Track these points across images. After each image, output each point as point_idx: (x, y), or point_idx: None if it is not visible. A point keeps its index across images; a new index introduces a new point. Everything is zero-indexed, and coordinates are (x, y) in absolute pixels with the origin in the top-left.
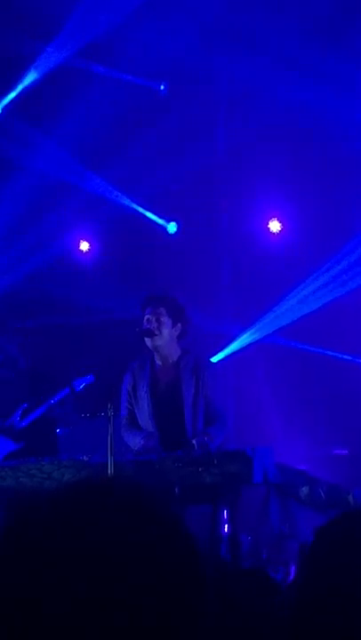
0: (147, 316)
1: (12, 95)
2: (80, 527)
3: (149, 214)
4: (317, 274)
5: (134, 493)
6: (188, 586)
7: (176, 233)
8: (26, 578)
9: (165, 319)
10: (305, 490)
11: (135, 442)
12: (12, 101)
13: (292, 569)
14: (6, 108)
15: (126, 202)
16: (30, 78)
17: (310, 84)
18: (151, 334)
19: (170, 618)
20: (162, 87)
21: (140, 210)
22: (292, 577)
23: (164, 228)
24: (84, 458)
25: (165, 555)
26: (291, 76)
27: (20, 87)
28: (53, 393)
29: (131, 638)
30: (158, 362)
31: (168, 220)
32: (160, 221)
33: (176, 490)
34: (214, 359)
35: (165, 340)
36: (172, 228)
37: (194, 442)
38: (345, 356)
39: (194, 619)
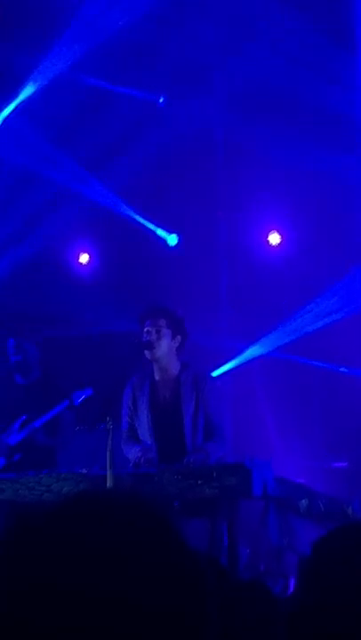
0: (146, 329)
1: (11, 108)
2: (79, 540)
3: (150, 225)
4: (319, 291)
5: (134, 505)
6: (189, 599)
7: (175, 246)
8: (24, 590)
9: (165, 331)
10: (304, 503)
11: (133, 454)
12: (11, 112)
13: (291, 582)
14: (6, 119)
15: (126, 212)
16: (28, 91)
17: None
18: (151, 346)
19: (172, 631)
20: (161, 100)
21: (141, 220)
22: (290, 590)
23: (163, 241)
24: (83, 470)
25: (166, 567)
26: (292, 83)
27: (18, 100)
28: (52, 406)
29: (132, 624)
30: (157, 376)
31: (168, 233)
32: (161, 233)
33: (175, 503)
34: (214, 374)
35: (165, 351)
36: (172, 240)
37: (189, 458)
38: (344, 369)
39: (200, 633)
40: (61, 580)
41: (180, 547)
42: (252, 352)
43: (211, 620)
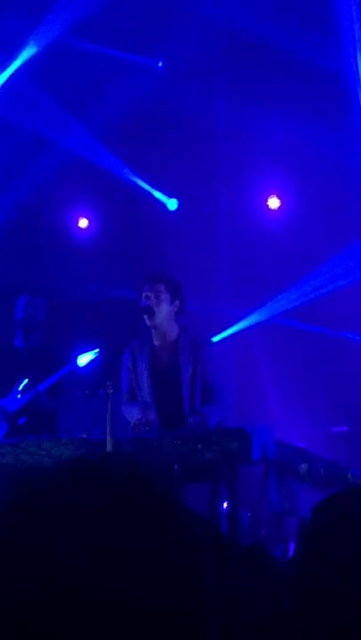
0: (145, 294)
1: (10, 71)
2: (76, 506)
3: (150, 189)
4: (320, 257)
5: (132, 470)
6: (188, 566)
7: (175, 211)
8: (21, 556)
9: (164, 295)
10: (304, 467)
11: (132, 414)
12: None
13: (291, 546)
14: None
15: (127, 177)
16: (29, 52)
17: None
18: (150, 311)
19: (172, 598)
20: (160, 64)
21: (141, 184)
22: (291, 554)
23: (163, 206)
24: (83, 436)
25: (165, 532)
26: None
27: (18, 62)
28: (54, 370)
29: (131, 619)
30: (156, 342)
31: (168, 197)
32: (161, 197)
33: (175, 467)
34: (214, 339)
35: (164, 316)
36: (172, 204)
37: (189, 420)
38: (345, 335)
39: (197, 600)
40: (59, 546)
41: (179, 513)
42: (252, 319)
43: (210, 586)
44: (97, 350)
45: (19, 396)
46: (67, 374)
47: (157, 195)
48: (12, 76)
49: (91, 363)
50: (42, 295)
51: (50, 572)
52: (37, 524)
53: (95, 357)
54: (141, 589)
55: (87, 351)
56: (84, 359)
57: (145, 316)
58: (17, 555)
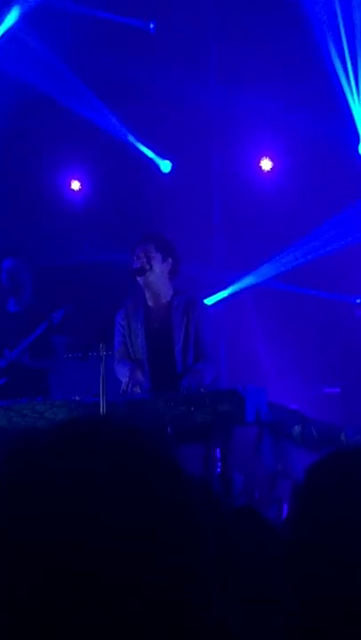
0: (136, 255)
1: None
2: (75, 467)
3: (144, 149)
4: (313, 219)
5: (128, 430)
6: (185, 522)
7: (168, 173)
8: (22, 516)
9: (155, 254)
10: (297, 429)
11: (124, 374)
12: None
13: (285, 507)
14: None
15: (120, 138)
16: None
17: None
18: (142, 271)
19: (171, 557)
20: (151, 26)
21: (138, 144)
22: (284, 515)
23: (156, 168)
24: (77, 398)
25: (162, 491)
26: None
27: (6, 23)
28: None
29: (130, 581)
30: (150, 302)
31: (161, 159)
32: (154, 157)
33: (168, 429)
34: (207, 301)
35: (157, 275)
36: (165, 166)
37: (184, 382)
38: (337, 296)
39: (195, 559)
40: (57, 509)
41: (174, 471)
42: (245, 281)
43: (207, 544)
44: (67, 307)
45: (4, 357)
46: (50, 333)
47: (151, 155)
48: (7, 30)
49: (68, 319)
50: (24, 256)
51: (48, 536)
52: (35, 487)
53: (67, 313)
54: (139, 550)
55: (59, 308)
56: (57, 316)
57: (137, 277)
58: (15, 519)
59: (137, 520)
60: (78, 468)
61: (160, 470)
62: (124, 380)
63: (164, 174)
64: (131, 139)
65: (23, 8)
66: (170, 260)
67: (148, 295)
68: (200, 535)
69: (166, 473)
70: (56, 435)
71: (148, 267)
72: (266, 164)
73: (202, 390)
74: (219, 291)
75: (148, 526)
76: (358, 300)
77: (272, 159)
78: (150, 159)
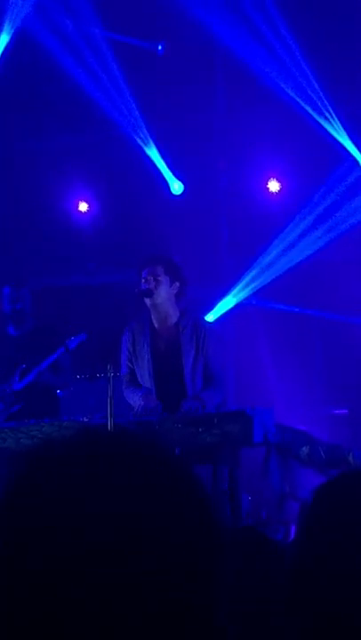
0: (144, 276)
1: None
2: (94, 473)
3: (162, 166)
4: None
5: (143, 442)
6: (209, 538)
7: (174, 195)
8: (40, 528)
9: (163, 277)
10: (305, 450)
11: (135, 400)
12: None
13: (292, 529)
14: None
15: (127, 156)
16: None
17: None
18: (150, 293)
19: (192, 569)
20: (159, 47)
21: (157, 157)
22: (292, 537)
23: (164, 189)
24: (85, 419)
25: (186, 506)
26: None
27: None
28: (49, 353)
29: (152, 592)
30: (156, 324)
31: (169, 183)
32: (169, 177)
33: (176, 450)
34: (208, 318)
35: (164, 298)
36: (178, 188)
37: (184, 405)
38: (344, 318)
39: (215, 569)
40: (78, 515)
41: (193, 482)
42: (239, 293)
43: (224, 558)
44: (83, 335)
45: (19, 380)
46: (61, 356)
47: (167, 174)
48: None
49: (86, 345)
50: (24, 283)
51: (70, 540)
52: (53, 499)
53: (83, 341)
54: (158, 558)
55: (76, 336)
56: (73, 343)
57: (145, 299)
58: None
59: (159, 528)
60: (99, 474)
61: (182, 480)
62: (138, 403)
63: (172, 195)
64: (149, 153)
65: (17, 26)
66: (177, 283)
67: (154, 317)
68: (220, 546)
69: (188, 485)
70: (73, 448)
71: (155, 290)
72: (273, 186)
73: (206, 412)
74: (226, 312)
75: (169, 534)
76: None
77: (279, 180)
78: (160, 180)
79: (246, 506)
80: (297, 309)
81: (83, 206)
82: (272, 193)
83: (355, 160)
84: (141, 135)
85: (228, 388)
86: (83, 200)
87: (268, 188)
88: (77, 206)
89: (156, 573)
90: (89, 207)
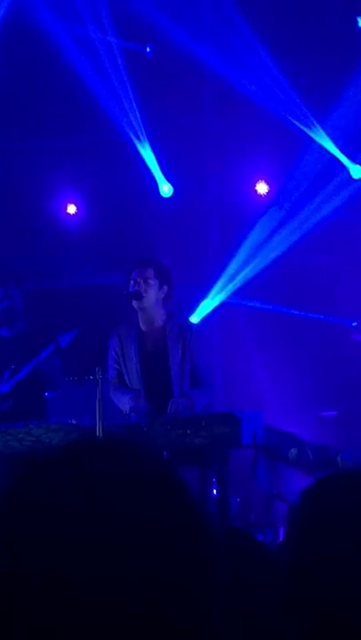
0: (133, 279)
1: None
2: (88, 483)
3: (154, 167)
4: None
5: (134, 448)
6: (196, 537)
7: (163, 198)
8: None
9: (152, 281)
10: (293, 452)
11: (123, 402)
12: None
13: (281, 530)
14: None
15: (115, 157)
16: None
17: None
18: (139, 296)
19: (186, 575)
20: (148, 49)
21: (149, 158)
22: (280, 538)
23: (153, 191)
24: (73, 421)
25: (176, 511)
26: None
27: None
28: (40, 352)
29: (144, 598)
30: (144, 327)
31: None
32: (160, 178)
33: (165, 453)
34: (192, 319)
35: (152, 301)
36: (168, 191)
37: (172, 401)
38: (333, 319)
39: (209, 576)
40: (70, 524)
41: (183, 490)
42: (218, 293)
43: (216, 558)
44: (75, 331)
45: (7, 380)
46: (52, 355)
47: (158, 176)
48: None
49: (76, 346)
50: (12, 283)
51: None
52: (41, 507)
53: (75, 337)
54: (146, 562)
55: (67, 332)
56: (65, 340)
57: (133, 301)
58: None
59: (146, 540)
60: (84, 486)
61: (171, 487)
62: (128, 405)
63: (161, 198)
64: (141, 153)
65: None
66: (166, 287)
67: (141, 319)
68: (211, 546)
69: (177, 491)
70: (61, 455)
71: (144, 293)
72: (262, 188)
73: (193, 413)
74: (213, 314)
75: (161, 542)
76: (355, 324)
77: (268, 183)
78: (149, 182)
79: (235, 508)
80: (286, 310)
81: (71, 209)
82: (260, 195)
83: (340, 163)
84: (132, 137)
85: (216, 390)
86: (71, 202)
87: (256, 191)
88: (66, 209)
89: (143, 576)
90: (77, 210)
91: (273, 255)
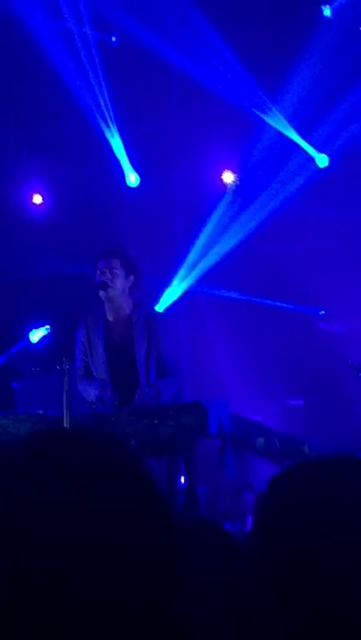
0: (100, 269)
1: None
2: (53, 476)
3: (123, 157)
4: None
5: (98, 439)
6: (162, 532)
7: (129, 188)
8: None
9: (119, 271)
10: (261, 441)
11: (89, 392)
12: None
13: (249, 520)
14: None
15: (82, 147)
16: None
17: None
18: (105, 286)
19: (149, 564)
20: (113, 39)
21: (118, 147)
22: (248, 528)
23: (119, 181)
24: (40, 412)
25: (140, 503)
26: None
27: None
28: (10, 346)
29: (110, 592)
30: (110, 317)
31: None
32: (128, 167)
33: (132, 442)
34: (157, 307)
35: (119, 291)
36: (135, 180)
37: (139, 392)
38: (300, 308)
39: (171, 567)
40: (37, 517)
41: (147, 481)
42: (182, 281)
43: (178, 550)
44: (48, 326)
45: None
46: (22, 349)
47: (126, 165)
48: None
49: (43, 338)
50: None
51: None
52: (12, 497)
53: (47, 333)
54: (116, 552)
55: (39, 327)
56: (36, 335)
57: (100, 291)
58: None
59: (110, 530)
60: (50, 477)
61: (134, 481)
62: (93, 395)
63: (126, 187)
64: (110, 142)
65: None
66: (132, 277)
67: (108, 309)
68: (171, 545)
69: (140, 483)
70: (27, 446)
71: (110, 283)
72: (228, 177)
73: (159, 402)
74: (178, 304)
75: (124, 528)
76: (322, 312)
77: (235, 172)
78: (116, 172)
79: (202, 498)
80: (253, 299)
81: (37, 198)
82: (226, 184)
83: (304, 152)
84: (101, 125)
85: (183, 379)
86: (37, 192)
87: (221, 180)
88: (32, 198)
89: (110, 568)
90: (43, 200)
91: (232, 243)
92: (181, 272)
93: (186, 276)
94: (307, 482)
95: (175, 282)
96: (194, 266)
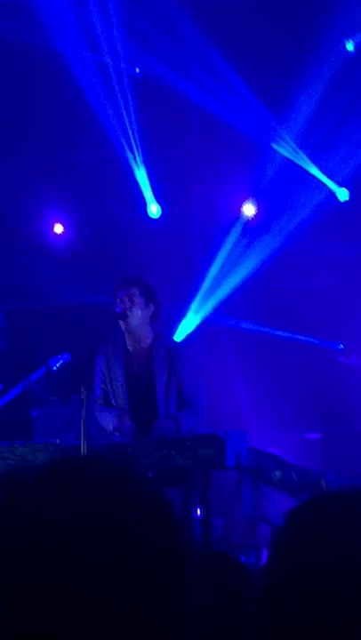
0: (119, 298)
1: None
2: (67, 506)
3: (146, 188)
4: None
5: (115, 469)
6: (177, 563)
7: (150, 219)
8: (16, 559)
9: (138, 299)
10: (278, 474)
11: (107, 421)
12: None
13: (264, 553)
14: None
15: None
16: None
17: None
18: (124, 315)
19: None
20: (137, 70)
21: (142, 178)
22: (264, 561)
23: (140, 214)
24: (57, 441)
25: (155, 533)
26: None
27: None
28: (29, 373)
29: (122, 619)
30: (130, 346)
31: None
32: (151, 198)
33: (149, 473)
34: (177, 337)
35: (138, 320)
36: (156, 212)
37: (158, 422)
38: (319, 341)
39: (183, 595)
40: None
41: (165, 510)
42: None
43: (191, 583)
44: (67, 354)
45: None
46: (41, 376)
47: (149, 196)
48: None
49: (62, 367)
50: None
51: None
52: (23, 527)
53: (66, 361)
54: (126, 581)
55: (59, 355)
56: (56, 363)
57: (119, 321)
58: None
59: (124, 560)
60: (67, 506)
61: (150, 510)
62: (112, 424)
63: (147, 218)
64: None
65: None
66: (152, 306)
67: (128, 339)
68: (186, 578)
69: (159, 513)
70: (45, 474)
71: (129, 312)
72: (249, 210)
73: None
74: (197, 333)
75: (140, 564)
76: (341, 346)
77: (254, 204)
78: (138, 202)
79: (218, 530)
80: (271, 331)
81: (58, 228)
82: (247, 217)
83: (326, 187)
84: (128, 155)
85: (202, 411)
86: (58, 222)
87: (241, 211)
88: (53, 228)
89: (123, 596)
90: (64, 229)
91: (244, 274)
92: (198, 302)
93: (202, 306)
94: (324, 516)
95: (192, 312)
96: (211, 296)
